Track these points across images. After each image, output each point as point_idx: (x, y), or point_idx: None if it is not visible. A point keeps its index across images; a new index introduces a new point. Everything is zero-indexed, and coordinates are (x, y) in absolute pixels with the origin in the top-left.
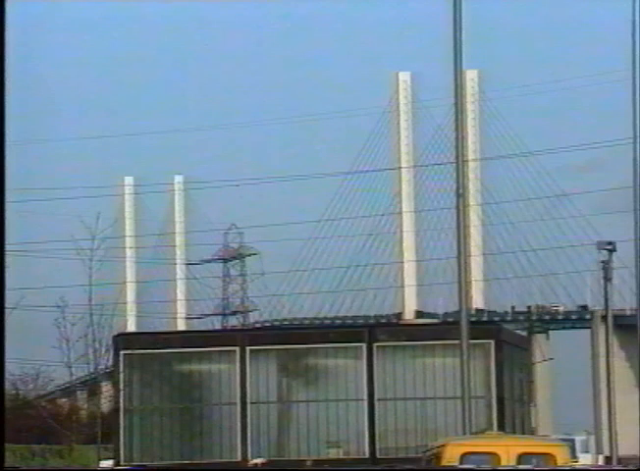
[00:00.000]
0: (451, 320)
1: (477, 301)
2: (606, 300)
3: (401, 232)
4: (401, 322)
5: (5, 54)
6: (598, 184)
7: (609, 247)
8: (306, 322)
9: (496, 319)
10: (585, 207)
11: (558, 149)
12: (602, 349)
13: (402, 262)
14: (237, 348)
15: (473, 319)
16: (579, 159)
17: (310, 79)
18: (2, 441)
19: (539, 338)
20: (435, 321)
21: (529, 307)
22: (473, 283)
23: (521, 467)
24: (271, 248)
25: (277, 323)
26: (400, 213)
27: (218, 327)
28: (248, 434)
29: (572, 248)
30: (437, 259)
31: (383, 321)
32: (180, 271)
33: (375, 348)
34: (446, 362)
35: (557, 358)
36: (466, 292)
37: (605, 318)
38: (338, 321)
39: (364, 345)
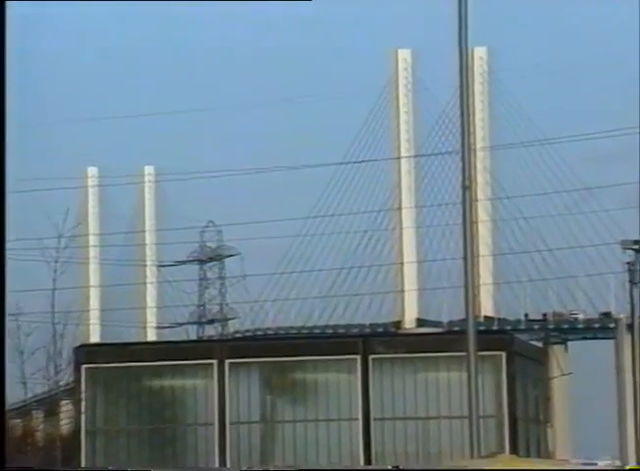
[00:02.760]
0: (456, 329)
1: (486, 308)
2: (632, 307)
3: (401, 229)
4: (401, 331)
5: (5, 54)
6: (625, 177)
7: (635, 247)
8: (293, 331)
9: (507, 328)
10: (610, 202)
11: (579, 137)
12: (628, 363)
13: (402, 263)
14: (214, 362)
15: (482, 328)
16: (604, 148)
17: (297, 59)
18: (2, 441)
19: (556, 349)
20: (439, 330)
21: (545, 315)
22: (482, 287)
23: (525, 467)
24: (254, 248)
25: (260, 332)
26: (400, 208)
27: (193, 337)
28: (227, 458)
29: (594, 248)
30: (441, 260)
31: (380, 330)
32: (150, 274)
33: (371, 361)
34: (451, 377)
35: (576, 373)
36: (474, 298)
37: (631, 327)
38: (329, 330)
39: (358, 358)
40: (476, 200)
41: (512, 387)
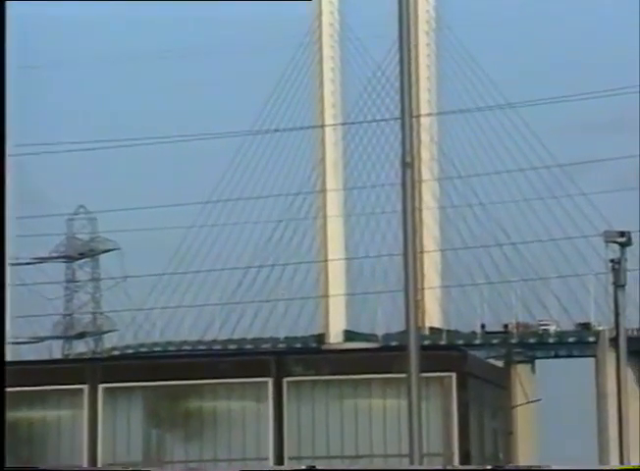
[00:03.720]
0: (394, 344)
1: (433, 317)
2: (616, 316)
3: (325, 217)
4: (324, 347)
5: (5, 54)
6: (608, 152)
7: (621, 240)
8: (187, 348)
9: (459, 343)
10: (590, 184)
11: (550, 100)
12: (611, 386)
13: (326, 261)
14: (85, 387)
15: (427, 343)
16: (587, 116)
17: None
18: (2, 441)
19: (521, 370)
20: (372, 345)
21: (507, 326)
22: (427, 291)
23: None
24: (137, 241)
25: (144, 349)
26: (324, 191)
27: (58, 355)
28: None
29: (570, 242)
30: (375, 257)
31: (297, 346)
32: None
33: (286, 385)
34: (387, 404)
35: (546, 399)
36: (417, 304)
37: (615, 341)
38: (232, 346)
39: (270, 381)
40: (420, 181)
41: (465, 417)
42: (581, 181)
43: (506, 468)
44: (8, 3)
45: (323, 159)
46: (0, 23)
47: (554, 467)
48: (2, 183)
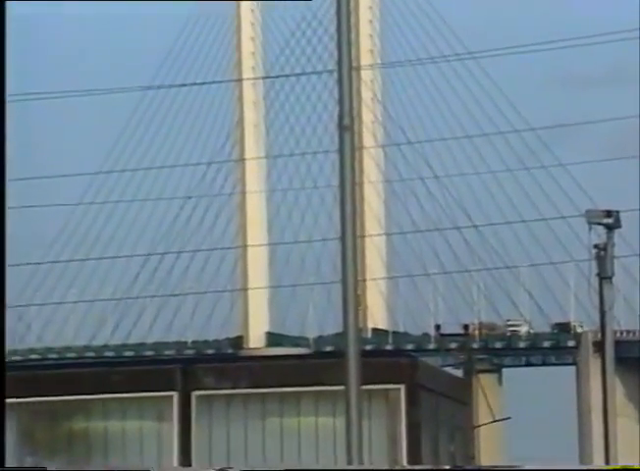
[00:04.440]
0: (329, 350)
1: (376, 316)
2: (602, 314)
3: (243, 193)
4: (243, 353)
5: (5, 54)
6: (595, 112)
7: (607, 221)
8: (71, 355)
9: (409, 347)
10: (569, 154)
11: (519, 50)
12: (596, 400)
13: (245, 246)
14: None
15: (369, 347)
16: (560, 69)
17: None
18: (2, 441)
19: (486, 380)
20: (301, 351)
21: (467, 327)
22: (369, 283)
23: (526, 467)
24: (8, 222)
25: (16, 358)
26: (242, 160)
27: None
28: None
29: (545, 223)
30: (305, 242)
31: (209, 352)
32: None
33: (195, 400)
34: (320, 424)
35: (516, 417)
36: (356, 300)
37: (600, 346)
38: (128, 353)
39: (175, 396)
40: (361, 148)
41: (416, 439)
42: (559, 148)
43: (483, 468)
44: (8, 3)
45: (241, 121)
46: (0, 23)
47: (526, 467)
48: (2, 181)
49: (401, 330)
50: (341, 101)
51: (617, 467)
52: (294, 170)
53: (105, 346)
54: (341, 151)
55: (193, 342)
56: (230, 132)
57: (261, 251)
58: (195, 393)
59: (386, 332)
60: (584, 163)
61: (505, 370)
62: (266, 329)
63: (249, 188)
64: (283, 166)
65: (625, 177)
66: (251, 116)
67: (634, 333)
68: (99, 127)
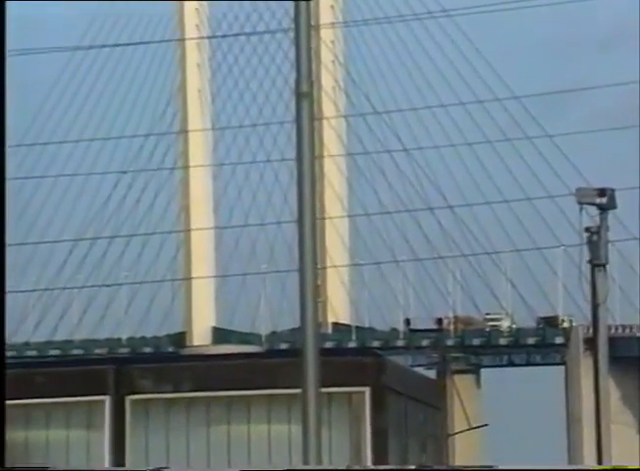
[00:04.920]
0: (283, 347)
1: (338, 309)
2: (594, 307)
3: (187, 169)
4: (186, 352)
5: (5, 54)
6: (588, 78)
7: (600, 201)
8: None
9: (374, 345)
10: (558, 124)
11: (494, 7)
12: (587, 406)
13: (188, 230)
14: None
15: (329, 344)
16: (548, 29)
17: None
18: (2, 441)
19: (462, 382)
20: (252, 349)
21: (441, 321)
22: (330, 272)
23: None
24: None
25: None
26: (184, 132)
27: None
28: None
29: (529, 204)
30: (257, 225)
31: (146, 350)
32: None
33: (129, 405)
34: (273, 432)
35: (496, 424)
36: (315, 291)
37: (593, 342)
38: (53, 351)
39: (107, 400)
40: (321, 118)
41: (382, 449)
42: (547, 119)
43: (457, 468)
44: (8, 3)
45: (183, 87)
46: (0, 23)
47: (500, 467)
48: (2, 183)
49: (366, 325)
50: (297, 64)
51: (596, 468)
52: (245, 142)
53: (27, 344)
54: (298, 121)
55: (129, 340)
56: (170, 100)
57: (206, 235)
58: (130, 398)
59: (348, 327)
60: (575, 134)
61: (483, 370)
62: (212, 324)
63: (193, 163)
64: (231, 138)
65: (622, 150)
66: (195, 81)
67: (631, 328)
68: (18, 92)
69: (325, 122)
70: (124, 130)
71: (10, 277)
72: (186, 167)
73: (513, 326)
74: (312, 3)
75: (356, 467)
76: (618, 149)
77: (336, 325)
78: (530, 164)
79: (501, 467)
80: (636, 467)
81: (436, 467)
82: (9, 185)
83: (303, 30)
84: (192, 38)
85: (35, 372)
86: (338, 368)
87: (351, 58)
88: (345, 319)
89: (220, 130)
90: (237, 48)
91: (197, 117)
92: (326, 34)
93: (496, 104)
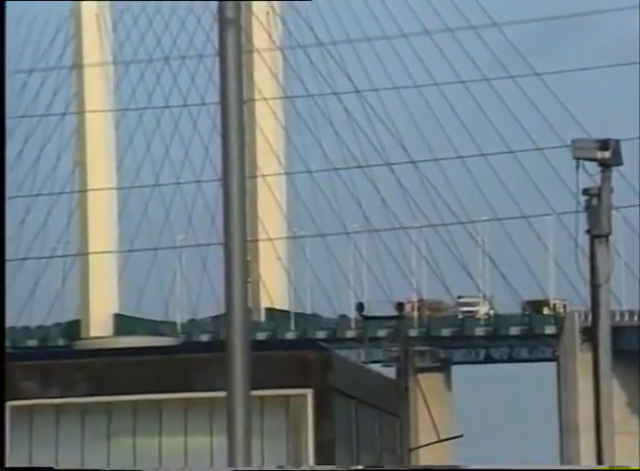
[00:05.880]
0: (204, 339)
1: (273, 292)
2: (593, 288)
3: (82, 115)
4: (80, 345)
5: (5, 54)
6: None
7: (602, 155)
8: None
9: (319, 336)
10: (551, 60)
11: None
12: (585, 411)
13: (84, 191)
14: None
15: (262, 335)
16: None
17: None
18: (2, 440)
19: (428, 382)
20: (165, 341)
21: (402, 306)
22: (262, 246)
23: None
24: None
25: None
26: (80, 66)
27: None
28: None
29: (513, 158)
30: (171, 184)
31: (30, 344)
32: None
33: (10, 414)
34: (190, 444)
35: (470, 434)
36: (244, 270)
37: (592, 332)
38: None
39: None
40: (250, 50)
41: (327, 463)
42: (535, 54)
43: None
44: (8, 3)
45: (76, 10)
46: (0, 23)
47: (471, 466)
48: (2, 183)
49: (308, 311)
50: None
51: (593, 468)
52: (155, 81)
53: None
54: (221, 54)
55: (9, 330)
56: (60, 26)
57: (107, 198)
58: (10, 404)
59: (286, 314)
60: (571, 72)
61: (455, 368)
62: (114, 310)
63: (90, 108)
64: (137, 76)
65: (629, 93)
66: (91, 3)
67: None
68: None
69: (256, 55)
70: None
71: None
72: (81, 112)
73: (492, 312)
74: None
75: (360, 467)
76: (625, 92)
77: (270, 311)
78: (514, 109)
79: (471, 467)
80: (636, 468)
81: (418, 467)
82: None
83: None
84: None
85: None
86: (272, 365)
87: None
88: (281, 304)
89: (123, 65)
90: None
91: (94, 48)
92: None
93: (471, 34)
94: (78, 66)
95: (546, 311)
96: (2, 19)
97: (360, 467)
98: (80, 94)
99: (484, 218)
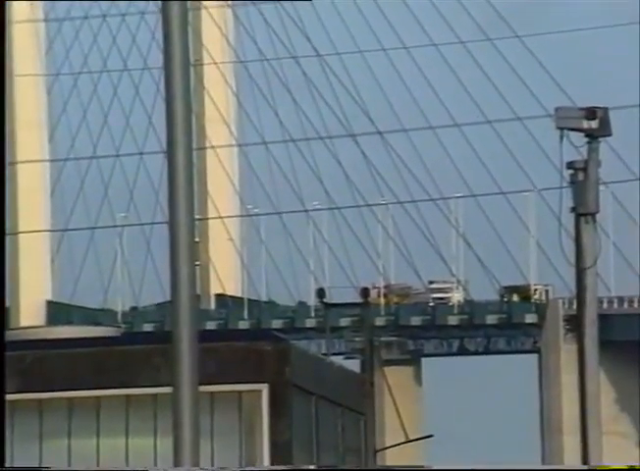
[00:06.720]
0: (147, 329)
1: (223, 277)
2: (578, 273)
3: (10, 79)
4: (7, 336)
5: (5, 54)
6: None
7: (589, 125)
8: None
9: (275, 325)
10: (537, 23)
11: None
12: (570, 410)
13: (13, 165)
14: None
15: (212, 324)
16: None
17: None
18: (2, 440)
19: (396, 376)
20: (104, 331)
21: (367, 292)
22: (212, 225)
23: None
24: None
25: None
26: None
27: None
28: None
29: (489, 128)
30: (110, 156)
31: None
32: None
33: None
34: (132, 446)
35: (442, 434)
36: (191, 251)
37: (577, 321)
38: None
39: None
40: (199, 6)
41: (283, 465)
42: (515, 15)
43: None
44: (8, 3)
45: None
46: (0, 23)
47: (434, 467)
48: (2, 184)
49: (264, 298)
50: None
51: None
52: (92, 38)
53: None
54: (164, 10)
55: None
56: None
57: (38, 170)
58: None
59: (239, 301)
60: (556, 34)
61: (425, 360)
62: (46, 297)
63: (19, 71)
64: (72, 31)
65: (619, 58)
66: None
67: (631, 302)
68: None
69: (204, 12)
70: None
71: None
72: (9, 76)
73: (466, 298)
74: None
75: (312, 467)
76: (614, 56)
77: (221, 298)
78: (491, 75)
79: (435, 467)
80: (625, 467)
81: (395, 467)
82: None
83: None
84: None
85: None
86: (224, 358)
87: None
88: (233, 290)
89: (56, 23)
90: None
91: (24, 4)
92: None
93: None
94: (4, 23)
95: (526, 298)
96: (2, 19)
97: (312, 467)
98: (7, 56)
99: (458, 194)
